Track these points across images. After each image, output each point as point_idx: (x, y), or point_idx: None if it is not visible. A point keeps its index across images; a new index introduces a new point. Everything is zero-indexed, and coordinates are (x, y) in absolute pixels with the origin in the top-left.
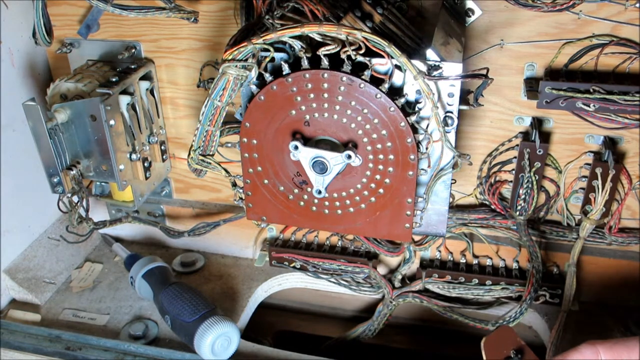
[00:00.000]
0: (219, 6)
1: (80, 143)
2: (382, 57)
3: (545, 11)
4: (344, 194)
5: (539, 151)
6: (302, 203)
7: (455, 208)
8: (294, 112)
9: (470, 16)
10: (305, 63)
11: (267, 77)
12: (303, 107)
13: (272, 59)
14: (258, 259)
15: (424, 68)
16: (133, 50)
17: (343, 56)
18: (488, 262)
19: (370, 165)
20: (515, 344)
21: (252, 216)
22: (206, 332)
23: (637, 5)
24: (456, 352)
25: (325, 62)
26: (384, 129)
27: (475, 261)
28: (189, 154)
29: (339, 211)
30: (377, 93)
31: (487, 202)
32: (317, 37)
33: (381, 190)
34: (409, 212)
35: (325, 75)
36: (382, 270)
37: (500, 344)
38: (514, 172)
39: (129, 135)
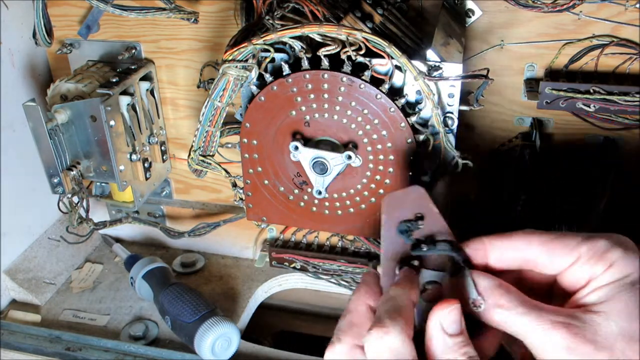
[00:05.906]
0: (219, 7)
1: (80, 143)
2: (383, 57)
3: (545, 12)
4: (344, 194)
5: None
6: (302, 204)
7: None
8: (294, 112)
9: (470, 17)
10: (305, 63)
11: (268, 77)
12: (303, 108)
13: (272, 60)
14: (258, 260)
15: (424, 69)
16: (133, 51)
17: (343, 57)
18: None
19: (371, 165)
20: (425, 209)
21: (252, 217)
22: (206, 332)
23: (637, 5)
24: None
25: (325, 62)
26: (384, 130)
27: None
28: (189, 154)
29: (339, 212)
30: (378, 93)
31: None
32: (318, 38)
33: (381, 191)
34: None
35: (326, 75)
36: None
37: (407, 205)
38: None
39: (129, 136)
